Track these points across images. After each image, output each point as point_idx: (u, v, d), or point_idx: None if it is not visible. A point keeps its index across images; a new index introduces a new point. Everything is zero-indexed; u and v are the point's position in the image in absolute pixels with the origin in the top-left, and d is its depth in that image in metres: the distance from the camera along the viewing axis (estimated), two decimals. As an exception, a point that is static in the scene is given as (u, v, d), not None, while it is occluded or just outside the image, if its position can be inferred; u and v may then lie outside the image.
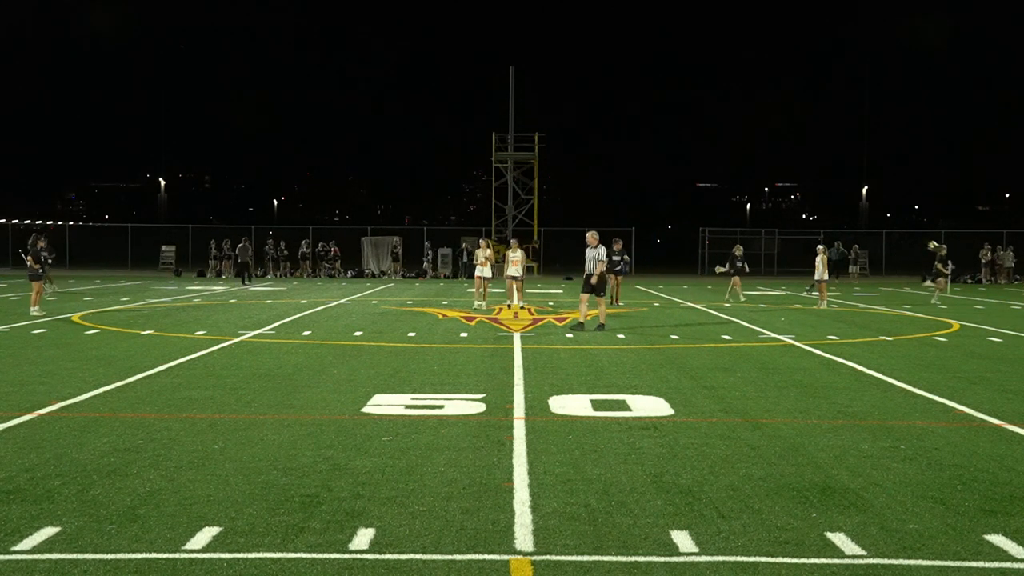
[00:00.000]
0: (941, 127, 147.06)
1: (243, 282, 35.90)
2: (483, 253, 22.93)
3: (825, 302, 24.42)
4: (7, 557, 5.03)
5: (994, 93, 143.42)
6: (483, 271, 22.73)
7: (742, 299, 26.24)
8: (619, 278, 23.99)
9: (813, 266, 24.83)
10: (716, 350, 14.61)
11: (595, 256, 16.92)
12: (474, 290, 23.53)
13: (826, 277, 24.61)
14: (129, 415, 8.89)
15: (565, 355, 13.64)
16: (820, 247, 25.07)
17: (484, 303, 22.71)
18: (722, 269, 26.98)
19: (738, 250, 26.22)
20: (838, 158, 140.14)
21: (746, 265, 26.52)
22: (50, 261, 20.32)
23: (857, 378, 11.67)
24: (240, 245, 38.13)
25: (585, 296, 17.44)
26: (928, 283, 26.99)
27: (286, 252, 44.81)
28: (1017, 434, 8.38)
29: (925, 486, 6.56)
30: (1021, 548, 5.29)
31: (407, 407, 9.37)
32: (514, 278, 22.08)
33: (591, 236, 17.25)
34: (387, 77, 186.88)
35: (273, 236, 46.76)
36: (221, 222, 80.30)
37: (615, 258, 23.52)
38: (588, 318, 17.61)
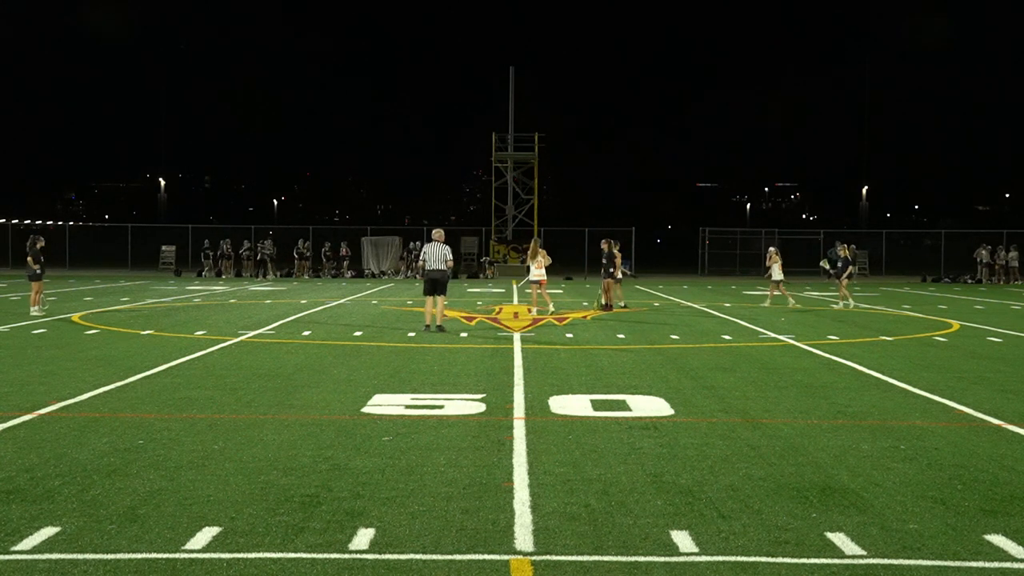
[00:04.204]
0: (941, 127, 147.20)
1: (263, 276, 41.58)
2: (542, 255, 21.32)
3: (791, 300, 24.51)
4: (7, 557, 5.02)
5: (995, 92, 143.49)
6: (541, 273, 21.36)
7: (850, 304, 24.58)
8: (608, 282, 22.30)
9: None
10: (716, 350, 14.61)
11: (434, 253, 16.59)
12: (542, 295, 21.68)
13: (782, 277, 24.60)
14: (129, 415, 8.89)
15: (565, 355, 13.64)
16: (772, 249, 24.99)
17: (551, 305, 21.56)
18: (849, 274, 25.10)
19: (843, 250, 24.98)
20: (838, 158, 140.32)
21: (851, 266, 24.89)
22: (38, 270, 20.10)
23: (857, 378, 11.67)
24: (260, 244, 42.90)
25: (429, 298, 16.91)
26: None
27: (256, 255, 43.79)
28: (1017, 434, 8.38)
29: (925, 486, 6.56)
30: (1021, 548, 5.28)
31: (407, 407, 9.37)
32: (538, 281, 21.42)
33: (436, 233, 17.00)
34: (388, 77, 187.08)
35: (272, 236, 46.76)
36: (221, 222, 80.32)
37: (604, 260, 22.25)
38: (432, 318, 16.92)
